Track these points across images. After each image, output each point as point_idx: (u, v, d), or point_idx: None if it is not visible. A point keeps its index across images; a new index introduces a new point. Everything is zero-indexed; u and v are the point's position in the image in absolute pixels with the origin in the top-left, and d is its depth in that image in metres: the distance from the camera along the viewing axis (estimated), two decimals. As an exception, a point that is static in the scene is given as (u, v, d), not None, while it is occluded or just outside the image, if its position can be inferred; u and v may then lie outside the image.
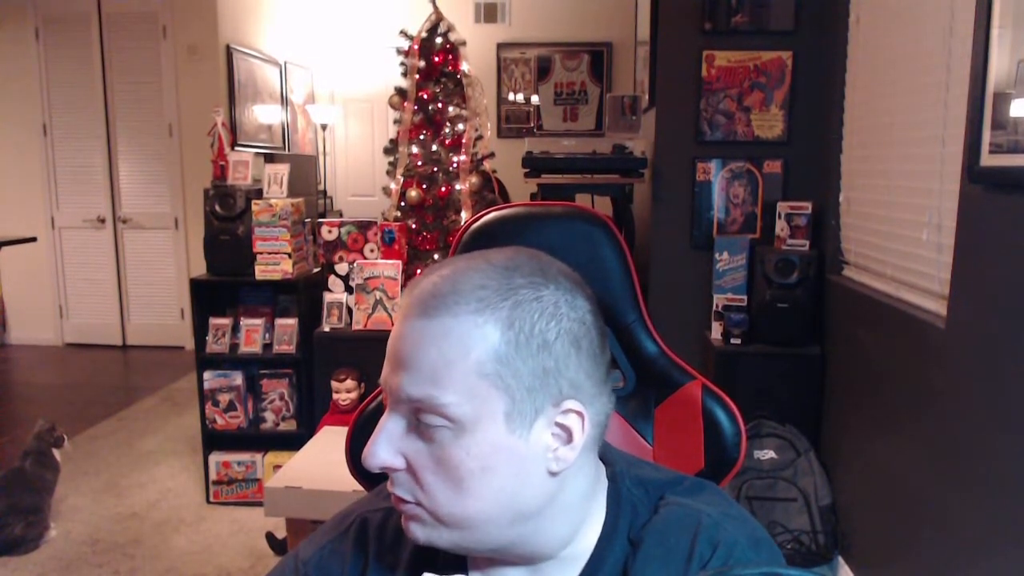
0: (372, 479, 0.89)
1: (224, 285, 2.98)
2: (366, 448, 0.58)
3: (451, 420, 0.55)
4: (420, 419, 0.57)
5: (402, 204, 3.12)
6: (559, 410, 0.58)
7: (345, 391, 2.68)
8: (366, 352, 2.73)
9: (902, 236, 2.05)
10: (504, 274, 0.58)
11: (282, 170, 3.00)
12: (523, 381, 0.56)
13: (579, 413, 0.59)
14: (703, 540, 0.61)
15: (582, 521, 0.63)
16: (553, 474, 0.59)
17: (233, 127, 5.04)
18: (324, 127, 6.14)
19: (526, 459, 0.57)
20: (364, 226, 2.88)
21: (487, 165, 3.25)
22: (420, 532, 0.60)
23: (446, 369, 0.55)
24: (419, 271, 3.21)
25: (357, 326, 2.76)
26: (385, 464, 0.58)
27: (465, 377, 0.55)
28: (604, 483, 0.66)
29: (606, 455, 0.68)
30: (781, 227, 2.65)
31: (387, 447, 0.58)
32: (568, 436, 0.59)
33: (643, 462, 0.71)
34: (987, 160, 1.46)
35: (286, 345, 2.90)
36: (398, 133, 3.21)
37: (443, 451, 0.56)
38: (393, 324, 0.61)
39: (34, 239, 4.57)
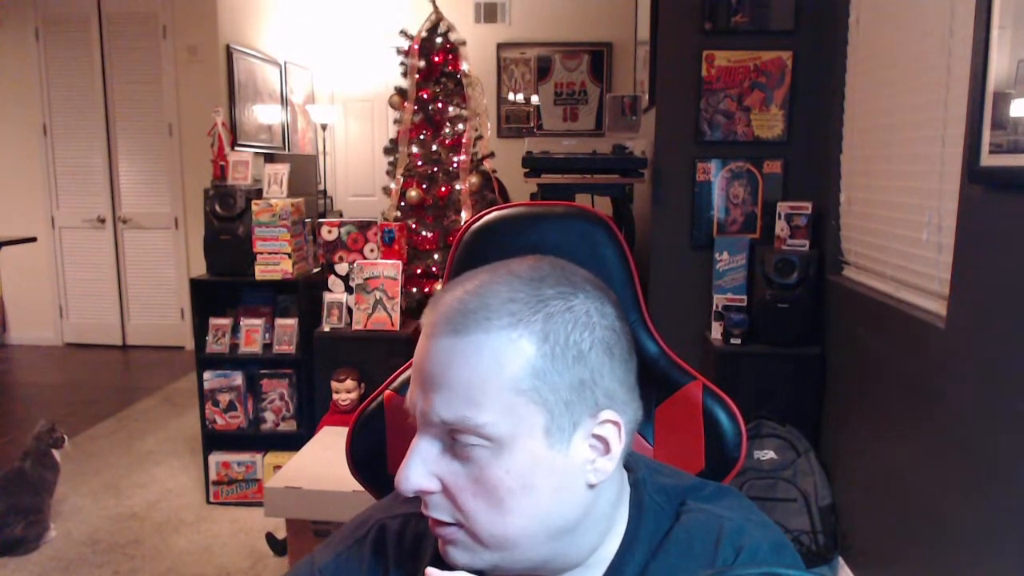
0: (372, 481, 0.89)
1: (224, 285, 2.98)
2: (399, 473, 0.56)
3: (488, 439, 0.54)
4: (455, 439, 0.55)
5: (402, 204, 3.13)
6: (596, 421, 0.57)
7: (345, 391, 2.68)
8: (366, 352, 2.73)
9: (902, 236, 2.05)
10: (532, 285, 0.56)
11: (282, 170, 3.00)
12: (561, 395, 0.55)
13: (615, 423, 0.58)
14: (726, 545, 0.60)
15: (609, 529, 0.63)
16: (591, 486, 0.58)
17: (233, 127, 5.04)
18: (324, 127, 6.14)
19: (566, 473, 0.56)
20: (364, 226, 2.88)
21: (487, 165, 3.25)
22: (461, 557, 0.58)
23: (481, 387, 0.54)
24: (419, 271, 3.22)
25: (357, 326, 2.76)
26: (420, 488, 0.56)
27: (501, 394, 0.54)
28: (627, 489, 0.65)
29: (627, 459, 0.67)
30: (781, 227, 2.65)
31: (421, 470, 0.56)
32: (606, 447, 0.58)
33: (663, 467, 0.71)
34: (987, 160, 1.46)
35: (286, 345, 2.90)
36: (398, 133, 3.21)
37: (481, 471, 0.55)
38: (416, 341, 0.59)
39: (34, 239, 4.57)
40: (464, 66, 3.19)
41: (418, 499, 0.69)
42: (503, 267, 0.59)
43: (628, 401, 0.59)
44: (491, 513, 0.55)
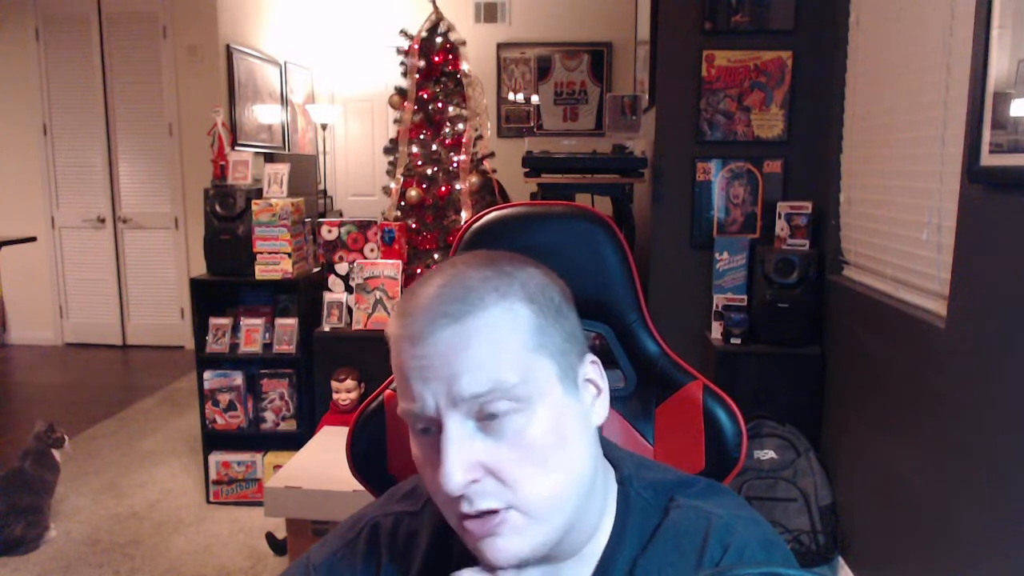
0: (373, 481, 0.89)
1: (224, 285, 2.98)
2: (440, 475, 0.54)
3: (519, 400, 0.55)
4: (486, 413, 0.55)
5: (402, 204, 3.13)
6: (584, 365, 0.62)
7: (345, 391, 2.68)
8: (366, 352, 2.73)
9: (902, 236, 2.05)
10: (492, 266, 0.59)
11: (282, 170, 3.00)
12: (559, 345, 0.59)
13: (595, 362, 0.63)
14: (714, 541, 0.61)
15: (601, 516, 0.64)
16: (599, 430, 0.63)
17: (233, 127, 5.04)
18: (324, 127, 6.14)
19: (583, 417, 0.61)
20: (364, 226, 2.88)
21: (487, 165, 3.25)
22: (514, 543, 0.56)
23: (500, 355, 0.56)
24: (419, 271, 3.22)
25: (357, 326, 2.76)
26: (469, 480, 0.55)
27: (518, 356, 0.56)
28: (614, 486, 0.66)
29: (612, 456, 0.68)
30: (781, 227, 2.65)
31: (462, 462, 0.54)
32: (597, 389, 0.63)
33: (650, 462, 0.71)
34: (987, 160, 1.46)
35: (286, 345, 2.90)
36: (398, 133, 3.21)
37: (521, 437, 0.56)
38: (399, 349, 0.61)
39: (34, 239, 4.57)
40: (464, 66, 3.19)
41: (413, 498, 0.70)
42: (449, 266, 0.61)
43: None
44: (539, 475, 0.56)
